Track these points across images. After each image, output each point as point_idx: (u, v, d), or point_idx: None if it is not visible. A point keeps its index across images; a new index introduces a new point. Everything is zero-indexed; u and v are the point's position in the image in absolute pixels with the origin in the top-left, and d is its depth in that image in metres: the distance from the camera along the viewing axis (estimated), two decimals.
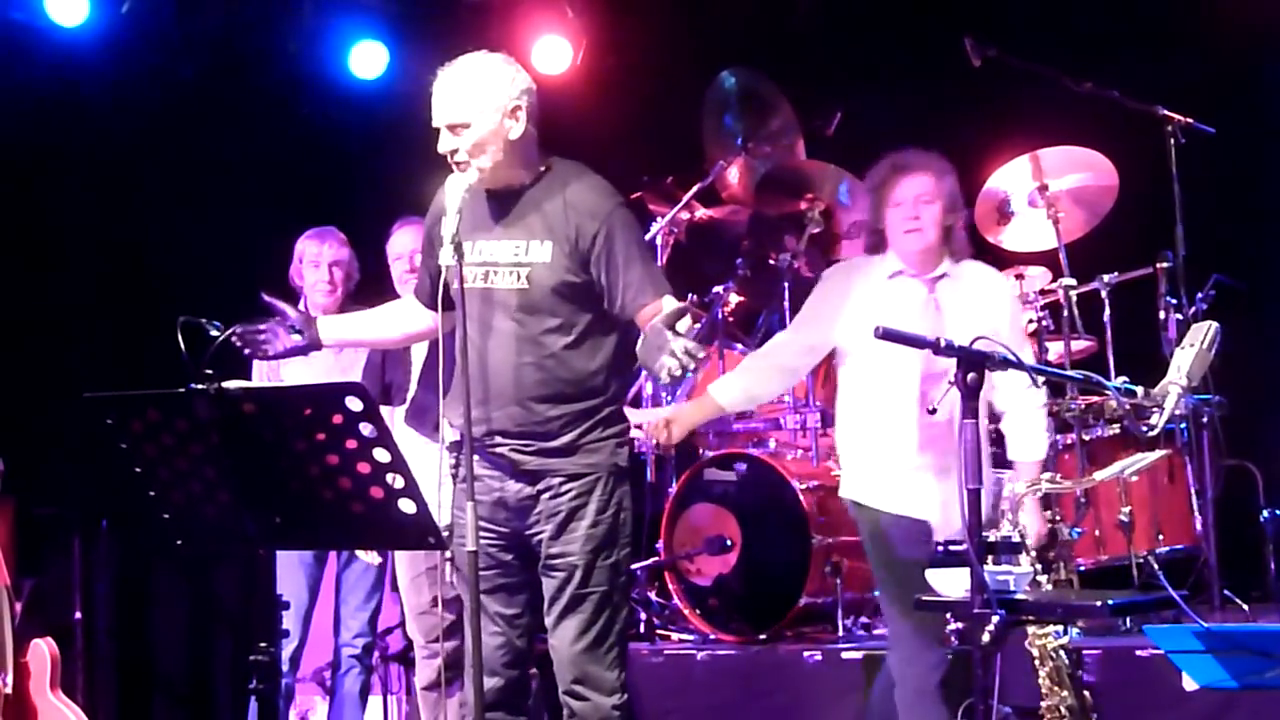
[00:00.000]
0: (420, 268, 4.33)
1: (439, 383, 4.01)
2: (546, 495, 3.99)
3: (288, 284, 5.69)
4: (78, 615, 6.46)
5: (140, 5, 6.96)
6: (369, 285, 5.75)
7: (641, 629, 6.02)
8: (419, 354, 4.95)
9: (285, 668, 4.99)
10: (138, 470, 3.60)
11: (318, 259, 5.54)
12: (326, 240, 5.59)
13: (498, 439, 3.99)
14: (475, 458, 3.92)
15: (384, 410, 4.87)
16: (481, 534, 3.87)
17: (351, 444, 3.44)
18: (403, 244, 5.25)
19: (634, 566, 5.80)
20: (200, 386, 3.48)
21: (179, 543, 3.73)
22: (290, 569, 5.31)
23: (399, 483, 3.45)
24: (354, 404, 3.39)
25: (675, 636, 5.96)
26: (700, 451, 6.23)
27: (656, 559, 5.96)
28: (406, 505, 3.48)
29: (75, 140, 7.21)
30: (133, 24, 7.00)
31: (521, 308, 3.97)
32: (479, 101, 3.91)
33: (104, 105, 7.15)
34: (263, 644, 3.59)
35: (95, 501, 6.64)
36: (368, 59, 7.47)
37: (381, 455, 3.43)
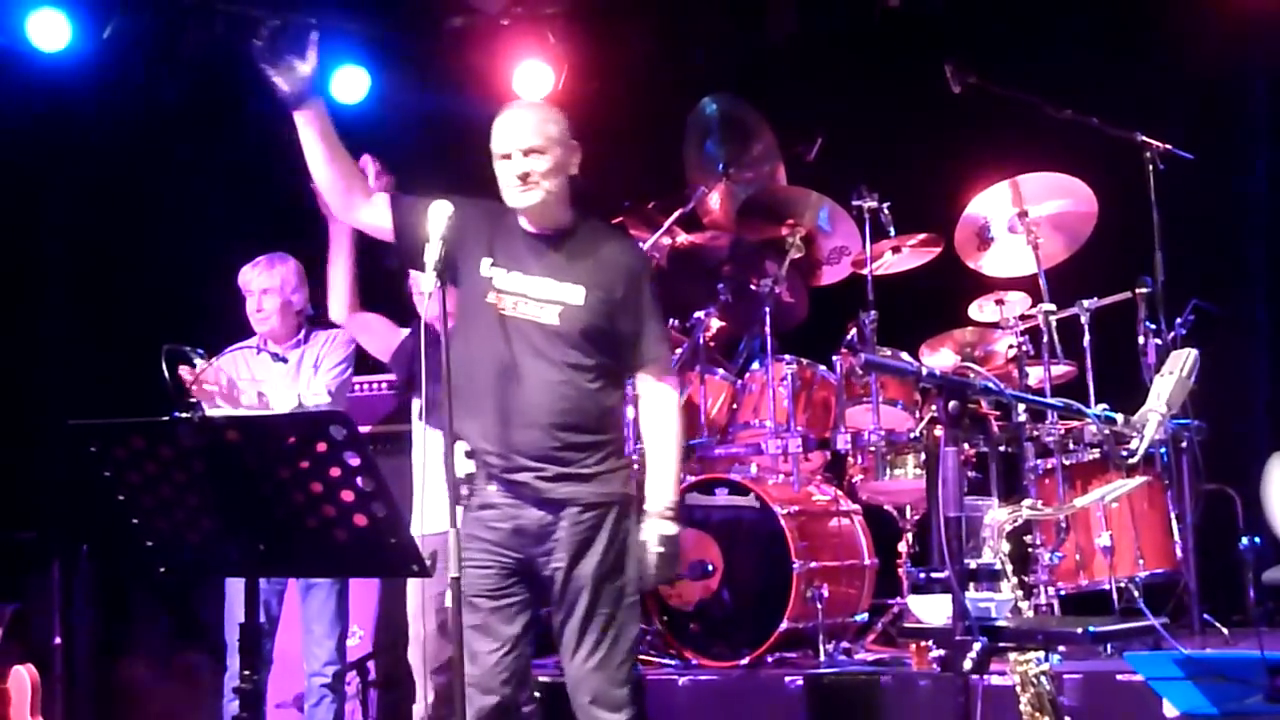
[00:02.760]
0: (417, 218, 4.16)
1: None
2: (565, 523, 4.11)
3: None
4: (57, 641, 6.43)
5: (122, 30, 6.97)
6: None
7: None
8: None
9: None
10: (121, 498, 3.59)
11: (249, 287, 5.53)
12: (257, 268, 5.55)
13: (520, 464, 4.10)
14: (492, 486, 4.10)
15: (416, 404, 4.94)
16: (492, 559, 4.09)
17: (335, 472, 3.44)
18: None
19: None
20: (184, 415, 3.48)
21: (162, 570, 3.72)
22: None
23: (383, 511, 3.45)
24: (338, 432, 3.40)
25: (657, 661, 5.95)
26: (682, 476, 6.24)
27: None
28: (390, 533, 3.48)
29: (56, 164, 7.22)
30: (115, 49, 7.01)
31: (549, 342, 4.13)
32: (553, 133, 4.17)
33: (86, 129, 7.15)
34: (246, 671, 3.58)
35: (76, 527, 6.63)
36: (349, 84, 7.49)
37: (366, 483, 3.43)
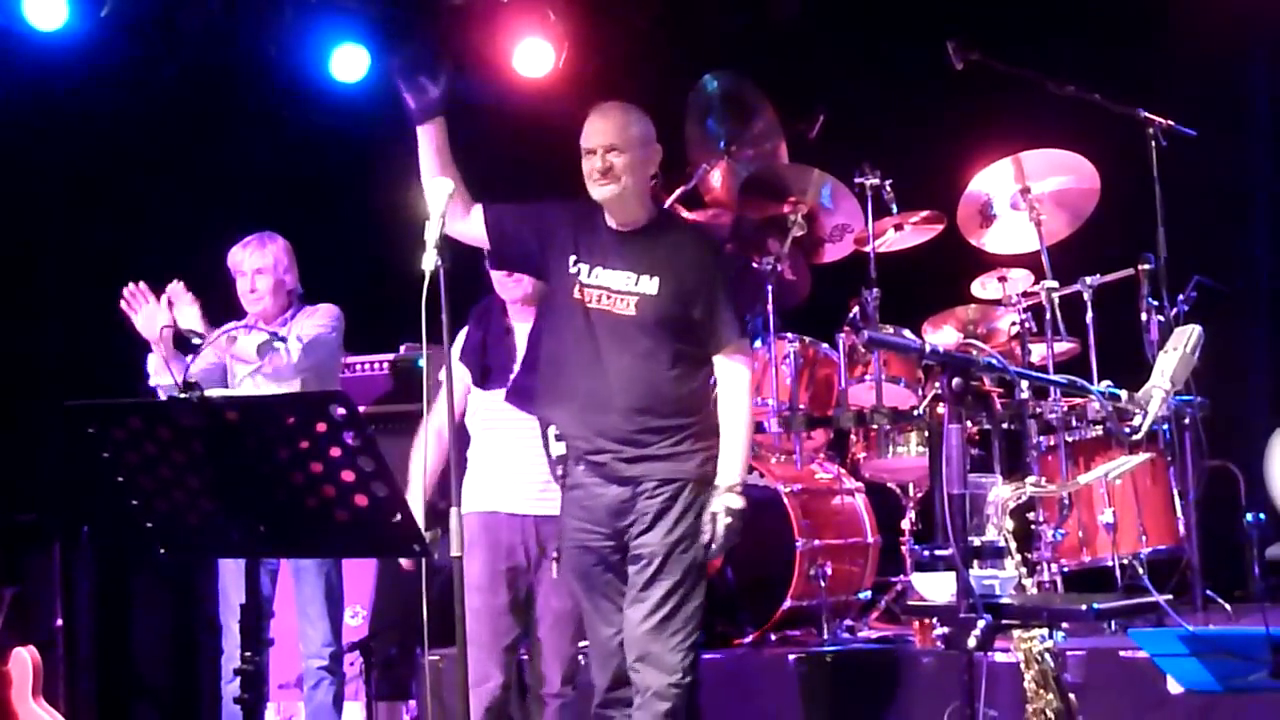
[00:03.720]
0: (527, 220, 4.56)
1: (539, 368, 4.56)
2: (643, 496, 4.36)
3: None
4: (59, 623, 6.43)
5: (120, 9, 6.93)
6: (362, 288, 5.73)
7: None
8: (523, 340, 4.98)
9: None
10: (120, 479, 3.58)
11: (240, 267, 5.49)
12: (248, 247, 5.51)
13: (602, 446, 4.37)
14: (580, 467, 4.41)
15: (477, 393, 4.97)
16: (591, 536, 4.41)
17: (335, 452, 3.42)
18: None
19: None
20: (183, 395, 3.46)
21: (162, 551, 3.71)
22: (239, 577, 5.24)
23: (383, 491, 3.44)
24: (338, 412, 3.38)
25: None
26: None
27: None
28: (391, 513, 3.46)
29: (53, 144, 7.19)
30: (112, 28, 6.97)
31: (629, 332, 4.38)
32: (634, 133, 4.46)
33: (82, 109, 7.12)
34: (248, 653, 3.56)
35: (76, 509, 6.62)
36: (349, 62, 7.45)
37: (366, 463, 3.42)
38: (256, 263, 5.49)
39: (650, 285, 4.38)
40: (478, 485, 4.88)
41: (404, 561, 5.09)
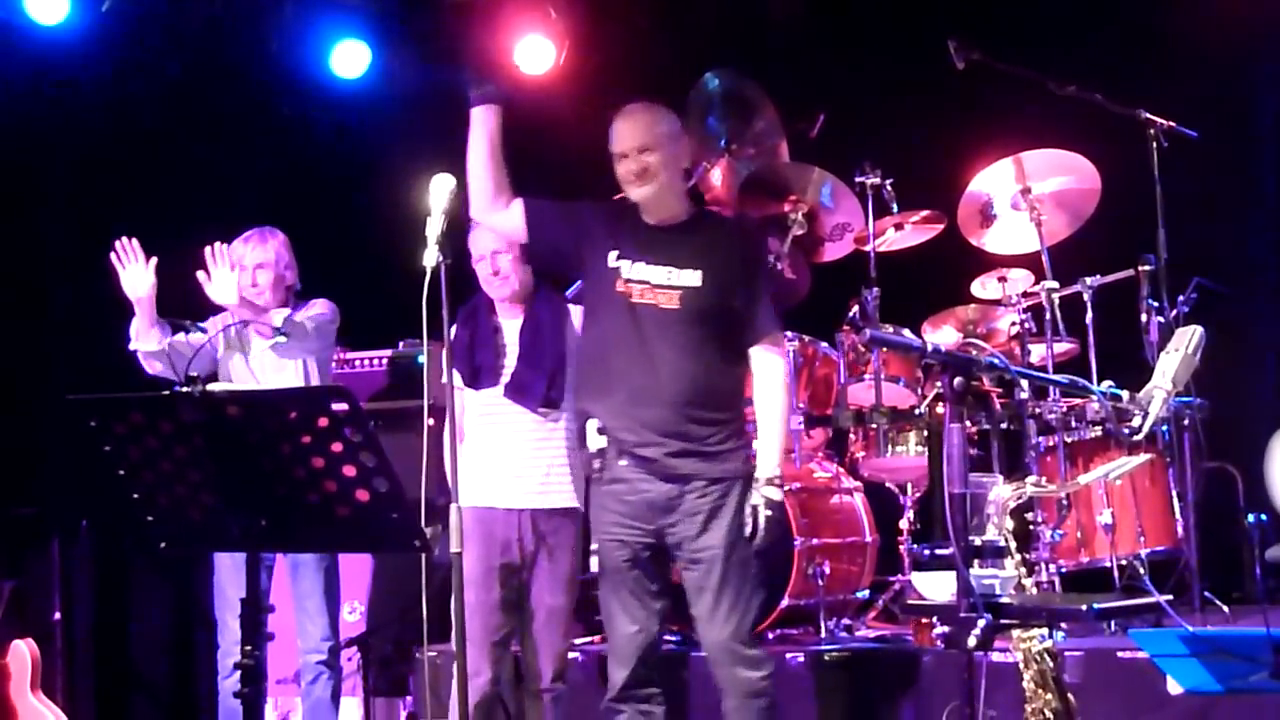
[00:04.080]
0: (566, 216, 4.64)
1: (580, 362, 4.66)
2: (692, 495, 4.40)
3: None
4: (57, 616, 6.42)
5: (121, 4, 6.93)
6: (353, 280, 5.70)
7: None
8: (512, 338, 5.02)
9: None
10: (121, 473, 3.58)
11: (242, 261, 5.45)
12: (250, 242, 5.48)
13: (649, 440, 4.39)
14: (623, 461, 4.39)
15: (469, 391, 4.96)
16: (628, 531, 4.42)
17: (337, 447, 3.42)
18: (483, 244, 5.07)
19: None
20: (184, 389, 3.46)
21: (162, 545, 3.71)
22: (234, 572, 5.25)
23: (385, 486, 3.44)
24: (340, 407, 3.38)
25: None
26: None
27: None
28: (392, 508, 3.46)
29: (55, 138, 7.18)
30: (113, 23, 6.97)
31: (673, 325, 4.41)
32: (663, 131, 4.53)
33: (83, 104, 7.11)
34: (248, 647, 3.56)
35: (75, 503, 6.61)
36: (350, 58, 7.45)
37: (368, 458, 3.42)
38: (258, 257, 5.47)
39: (693, 278, 4.42)
40: (472, 480, 4.86)
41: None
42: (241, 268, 5.46)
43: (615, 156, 4.52)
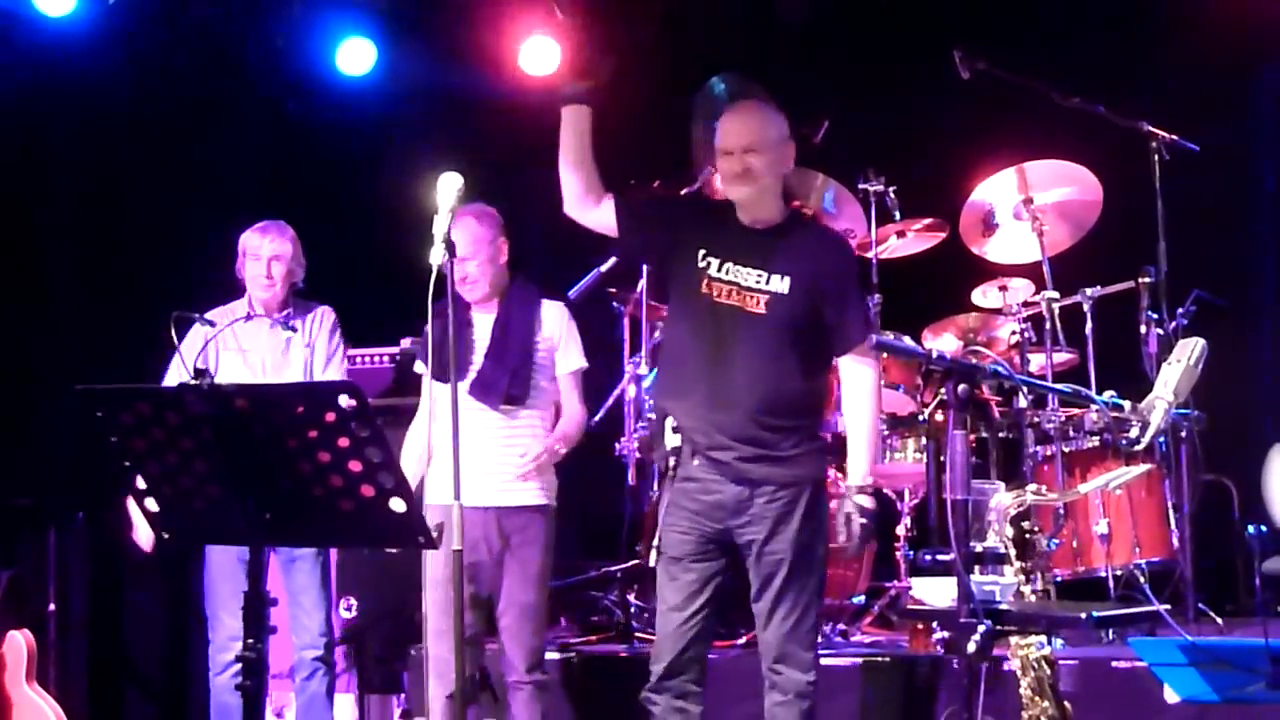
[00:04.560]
0: (657, 211, 4.69)
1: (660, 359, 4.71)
2: (762, 500, 4.40)
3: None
4: (51, 607, 6.42)
5: None
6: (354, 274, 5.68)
7: (620, 631, 6.04)
8: (483, 333, 5.00)
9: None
10: (127, 464, 3.58)
11: (258, 252, 5.44)
12: (269, 234, 5.47)
13: (722, 443, 4.39)
14: (696, 461, 4.39)
15: (436, 386, 4.75)
16: (693, 525, 4.42)
17: (344, 442, 3.42)
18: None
19: (614, 569, 5.83)
20: (192, 381, 3.46)
21: (165, 536, 3.71)
22: (229, 569, 5.26)
23: (390, 482, 3.44)
24: (347, 403, 3.38)
25: (653, 639, 5.95)
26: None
27: (636, 562, 5.95)
28: (397, 504, 3.47)
29: (59, 131, 7.19)
30: (120, 15, 6.97)
31: (756, 329, 4.40)
32: (771, 134, 4.52)
33: (90, 96, 7.11)
34: (250, 640, 3.56)
35: (72, 493, 6.61)
36: (356, 56, 7.46)
37: (374, 454, 3.42)
38: (275, 249, 5.45)
39: (781, 284, 4.40)
40: (440, 477, 4.79)
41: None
42: (255, 257, 5.45)
43: (718, 152, 4.50)
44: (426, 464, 4.88)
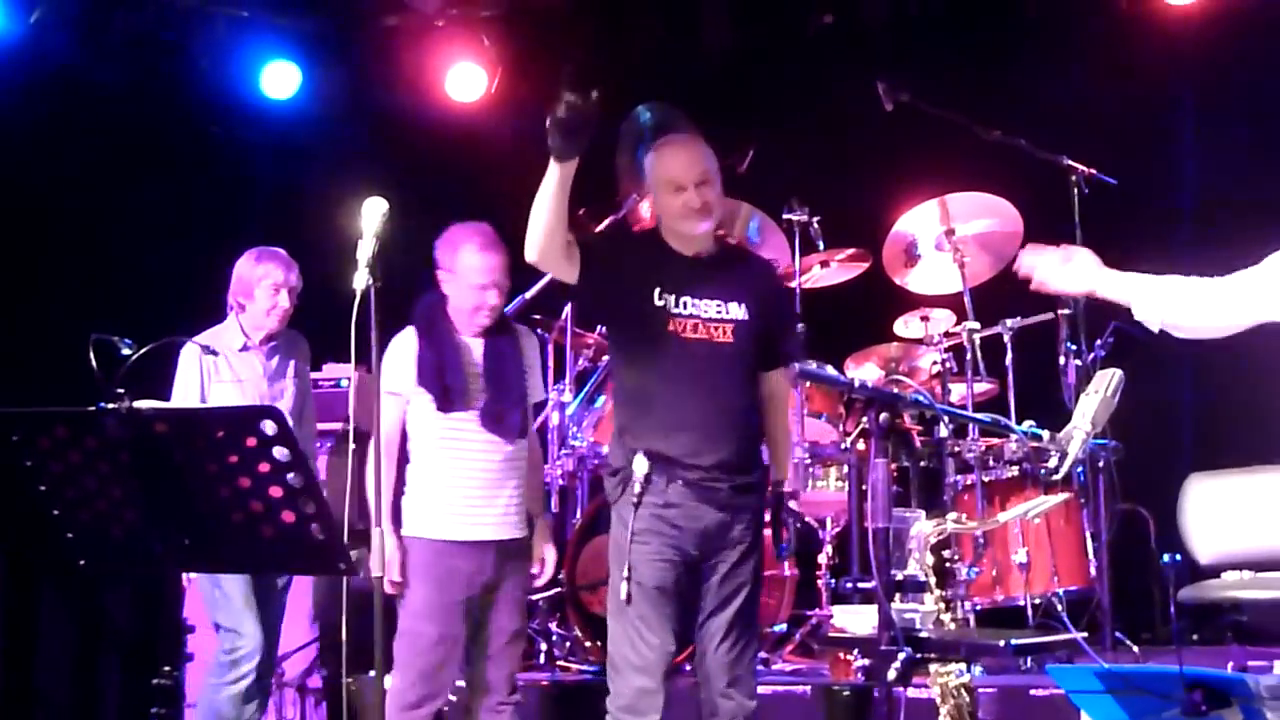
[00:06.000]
0: (606, 264, 4.45)
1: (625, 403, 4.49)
2: (740, 526, 4.40)
3: (218, 299, 5.46)
4: None
5: (49, 17, 6.87)
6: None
7: (542, 659, 6.02)
8: (473, 358, 4.86)
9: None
10: (42, 488, 3.52)
11: (282, 284, 5.31)
12: (294, 269, 5.36)
13: (720, 477, 4.35)
14: (678, 484, 4.31)
15: (438, 415, 4.77)
16: (673, 551, 4.32)
17: (264, 467, 3.39)
18: (494, 273, 4.93)
19: (535, 597, 5.81)
20: (111, 405, 3.42)
21: (81, 563, 3.65)
22: (235, 580, 5.13)
23: (311, 508, 3.42)
24: (269, 427, 3.35)
25: (575, 668, 5.94)
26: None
27: (558, 589, 5.93)
28: (317, 530, 3.44)
29: None
30: (42, 35, 6.91)
31: (727, 359, 4.39)
32: (714, 164, 4.54)
33: (12, 115, 7.03)
34: (166, 668, 3.52)
35: None
36: (280, 79, 7.43)
37: (295, 479, 3.39)
38: (295, 282, 5.34)
39: (740, 311, 4.41)
40: (434, 511, 4.75)
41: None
42: (274, 288, 5.31)
43: (665, 185, 4.44)
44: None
